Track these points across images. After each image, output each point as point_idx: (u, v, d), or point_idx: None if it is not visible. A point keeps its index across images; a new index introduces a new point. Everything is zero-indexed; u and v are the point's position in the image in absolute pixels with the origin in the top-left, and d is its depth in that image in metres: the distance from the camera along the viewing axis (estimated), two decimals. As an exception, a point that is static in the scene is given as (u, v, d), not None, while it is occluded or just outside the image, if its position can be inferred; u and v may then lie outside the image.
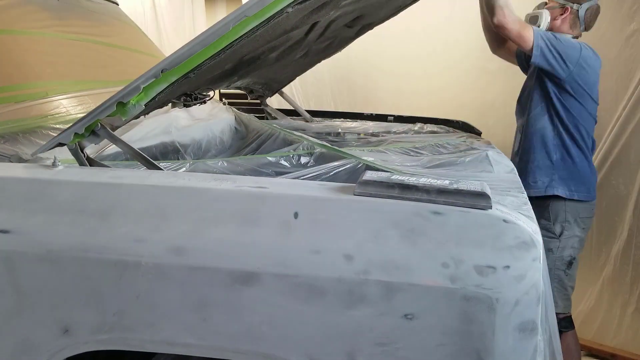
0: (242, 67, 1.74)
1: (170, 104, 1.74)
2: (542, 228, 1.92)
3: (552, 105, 2.06)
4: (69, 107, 1.59)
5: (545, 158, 2.08)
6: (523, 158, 2.16)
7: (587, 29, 2.15)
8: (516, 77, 2.78)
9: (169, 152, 1.70)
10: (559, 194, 2.05)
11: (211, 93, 1.92)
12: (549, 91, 2.05)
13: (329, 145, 1.57)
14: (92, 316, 0.99)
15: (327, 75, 3.51)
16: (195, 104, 1.84)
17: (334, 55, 2.34)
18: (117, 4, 2.33)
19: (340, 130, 2.22)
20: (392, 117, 2.48)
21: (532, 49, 1.96)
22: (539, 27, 2.07)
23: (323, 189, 0.99)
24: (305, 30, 1.67)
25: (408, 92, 3.23)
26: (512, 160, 2.11)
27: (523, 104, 2.23)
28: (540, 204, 2.08)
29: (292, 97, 3.01)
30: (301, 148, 1.60)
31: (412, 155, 1.66)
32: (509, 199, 1.11)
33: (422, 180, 0.95)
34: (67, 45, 1.79)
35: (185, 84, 1.21)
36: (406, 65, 3.24)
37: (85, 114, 1.15)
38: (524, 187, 2.00)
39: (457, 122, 2.33)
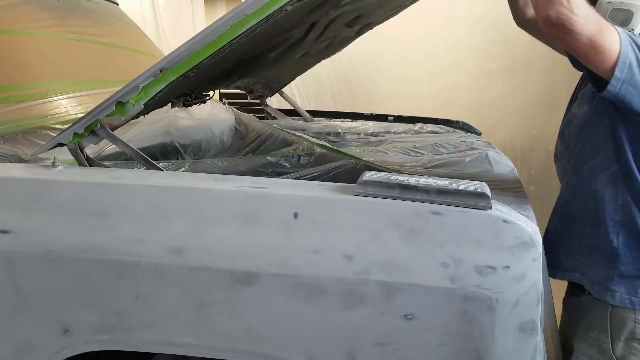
0: (242, 67, 1.74)
1: (170, 104, 1.74)
2: (591, 345, 1.25)
3: (621, 158, 1.19)
4: (69, 107, 1.59)
5: (601, 238, 1.23)
6: (559, 227, 1.34)
7: None
8: (517, 77, 2.78)
9: (169, 152, 1.70)
10: (615, 303, 1.20)
11: (211, 93, 1.92)
12: (619, 135, 1.19)
13: (329, 145, 1.57)
14: (92, 316, 0.99)
15: (328, 75, 3.51)
16: (195, 104, 1.84)
17: (334, 55, 2.34)
18: (117, 4, 2.33)
19: (340, 130, 2.22)
20: (392, 117, 2.47)
21: (612, 69, 1.07)
22: (632, 31, 1.16)
23: (323, 189, 0.99)
24: (305, 30, 1.67)
25: (408, 92, 3.23)
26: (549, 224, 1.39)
27: (568, 142, 1.37)
28: (592, 304, 1.26)
29: (292, 97, 3.01)
30: (301, 148, 1.60)
31: (412, 155, 1.67)
32: (509, 199, 1.11)
33: (422, 181, 0.95)
34: (67, 45, 1.79)
35: (184, 83, 1.21)
36: (407, 66, 3.24)
37: (84, 114, 1.15)
38: (552, 269, 1.28)
39: (457, 122, 2.33)
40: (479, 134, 2.24)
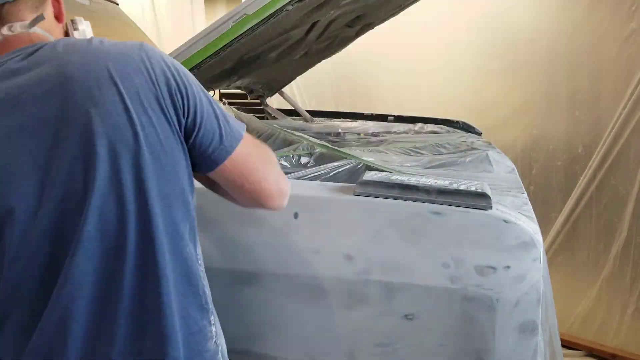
0: (242, 67, 1.74)
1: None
2: None
3: None
4: (69, 106, 1.59)
5: None
6: None
7: None
8: (517, 77, 2.78)
9: (168, 152, 1.70)
10: None
11: (211, 92, 1.91)
12: None
13: (329, 145, 1.57)
14: (91, 316, 0.98)
15: (328, 75, 3.51)
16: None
17: (334, 55, 2.34)
18: (117, 4, 2.33)
19: (340, 130, 2.22)
20: (393, 117, 2.47)
21: None
22: None
23: (323, 189, 0.99)
24: (306, 30, 1.67)
25: (408, 92, 3.23)
26: None
27: None
28: None
29: (292, 97, 3.01)
30: (301, 148, 1.59)
31: (412, 155, 1.66)
32: (509, 199, 1.11)
33: (423, 181, 0.94)
34: (67, 44, 1.79)
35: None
36: (407, 66, 3.24)
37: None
38: None
39: (458, 122, 2.33)
40: (480, 134, 2.24)
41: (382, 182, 0.94)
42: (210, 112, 0.72)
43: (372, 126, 2.30)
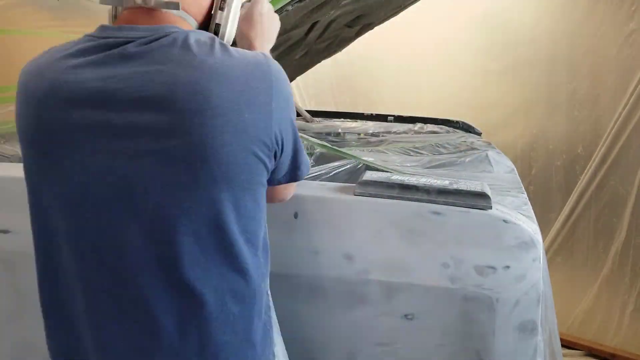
0: (242, 67, 1.73)
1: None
2: None
3: None
4: (69, 106, 1.59)
5: None
6: None
7: None
8: (517, 77, 2.78)
9: (168, 152, 1.69)
10: None
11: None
12: None
13: (329, 145, 1.57)
14: (92, 316, 0.98)
15: (328, 75, 3.51)
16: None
17: (334, 55, 2.34)
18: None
19: (340, 130, 2.22)
20: (392, 118, 2.47)
21: None
22: None
23: (323, 189, 0.99)
24: (306, 30, 1.67)
25: (408, 92, 3.24)
26: None
27: None
28: None
29: (293, 97, 3.01)
30: (301, 148, 1.59)
31: (412, 155, 1.66)
32: (509, 199, 1.11)
33: (422, 181, 0.94)
34: (67, 45, 1.79)
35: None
36: (407, 66, 3.24)
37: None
38: None
39: (457, 122, 2.32)
40: (479, 134, 2.24)
41: (382, 182, 0.94)
42: None
43: (372, 126, 2.30)
